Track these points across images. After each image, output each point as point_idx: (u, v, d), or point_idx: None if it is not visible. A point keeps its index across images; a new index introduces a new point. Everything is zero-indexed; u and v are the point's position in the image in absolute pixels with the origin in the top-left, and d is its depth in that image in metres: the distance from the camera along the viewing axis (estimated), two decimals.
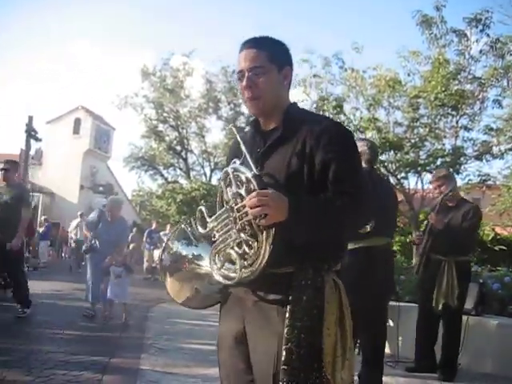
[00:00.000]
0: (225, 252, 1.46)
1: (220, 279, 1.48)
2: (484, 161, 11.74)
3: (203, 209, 1.58)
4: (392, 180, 11.55)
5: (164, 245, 1.72)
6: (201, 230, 1.58)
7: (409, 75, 12.10)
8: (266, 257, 1.36)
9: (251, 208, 1.34)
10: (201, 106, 24.76)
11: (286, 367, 1.38)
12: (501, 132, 11.44)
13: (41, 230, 15.53)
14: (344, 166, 1.46)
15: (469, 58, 11.59)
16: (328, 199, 1.43)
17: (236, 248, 1.42)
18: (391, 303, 4.16)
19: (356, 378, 3.22)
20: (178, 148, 25.93)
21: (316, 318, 1.41)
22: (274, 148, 1.54)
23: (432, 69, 11.33)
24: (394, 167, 12.00)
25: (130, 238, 8.30)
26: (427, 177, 11.64)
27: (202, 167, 26.54)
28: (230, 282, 1.45)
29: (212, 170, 25.92)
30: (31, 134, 16.59)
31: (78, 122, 27.79)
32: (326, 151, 1.45)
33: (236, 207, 1.41)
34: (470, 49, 11.58)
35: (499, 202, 13.78)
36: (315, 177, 1.46)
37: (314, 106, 12.45)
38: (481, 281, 5.00)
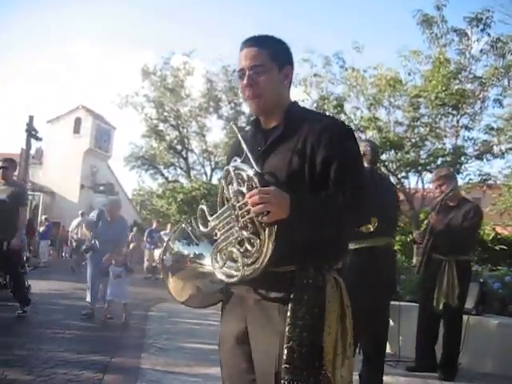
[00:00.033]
0: (227, 250, 1.46)
1: (222, 277, 1.48)
2: (485, 160, 11.74)
3: (204, 207, 1.57)
4: (392, 179, 11.53)
5: (165, 245, 1.72)
6: (202, 228, 1.57)
7: (409, 74, 12.12)
8: (269, 255, 1.35)
9: (253, 205, 1.33)
10: (201, 106, 24.72)
11: (287, 366, 1.38)
12: (501, 131, 11.44)
13: (41, 229, 15.56)
14: (345, 165, 1.45)
15: (469, 58, 11.59)
16: (329, 197, 1.43)
17: (238, 246, 1.42)
18: (392, 303, 4.16)
19: (357, 377, 3.22)
20: (179, 147, 25.89)
21: (317, 316, 1.41)
22: (274, 146, 1.53)
23: (433, 68, 11.33)
24: (395, 166, 12.00)
25: (129, 237, 8.32)
26: (428, 176, 11.64)
27: (203, 166, 26.53)
28: (232, 281, 1.45)
29: (212, 170, 25.90)
30: (32, 133, 16.56)
31: (78, 121, 27.73)
32: (327, 149, 1.45)
33: (238, 205, 1.40)
34: (470, 48, 11.58)
35: (500, 202, 13.78)
36: (316, 175, 1.46)
37: (315, 105, 12.45)
38: (481, 280, 4.99)
